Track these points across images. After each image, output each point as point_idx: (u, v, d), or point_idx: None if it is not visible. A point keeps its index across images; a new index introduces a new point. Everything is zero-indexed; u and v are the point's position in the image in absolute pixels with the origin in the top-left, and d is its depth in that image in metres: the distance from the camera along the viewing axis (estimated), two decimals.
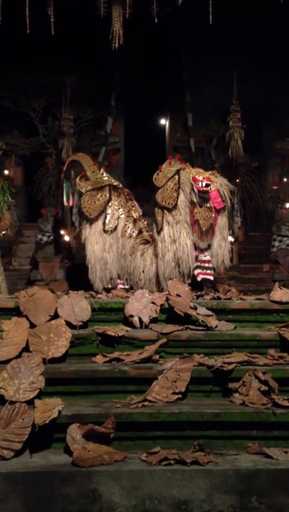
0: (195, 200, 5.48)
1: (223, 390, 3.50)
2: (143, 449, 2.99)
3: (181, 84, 11.26)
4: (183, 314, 4.07)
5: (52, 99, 10.55)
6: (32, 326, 3.85)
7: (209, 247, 5.63)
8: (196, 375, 3.46)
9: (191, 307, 4.18)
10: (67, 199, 6.21)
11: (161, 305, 4.23)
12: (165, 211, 5.46)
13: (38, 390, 3.23)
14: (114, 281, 5.74)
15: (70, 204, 6.22)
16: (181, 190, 5.43)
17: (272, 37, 9.04)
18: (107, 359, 3.66)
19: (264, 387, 3.35)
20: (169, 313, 4.18)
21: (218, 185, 5.63)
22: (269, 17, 8.05)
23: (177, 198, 5.41)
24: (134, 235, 5.79)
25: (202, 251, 5.61)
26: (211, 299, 4.59)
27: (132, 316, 4.09)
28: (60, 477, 2.69)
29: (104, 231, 5.72)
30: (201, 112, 11.11)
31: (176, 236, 5.38)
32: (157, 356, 3.70)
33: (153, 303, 4.23)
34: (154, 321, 4.12)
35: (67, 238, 9.18)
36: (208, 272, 5.58)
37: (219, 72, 9.03)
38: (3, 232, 9.35)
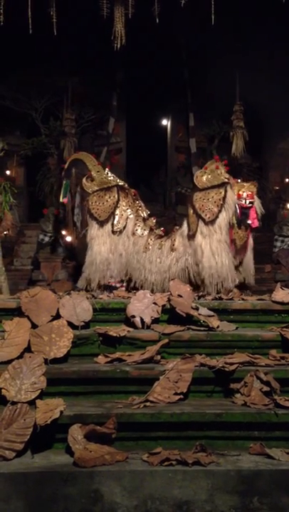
0: (235, 222, 5.42)
1: (224, 391, 3.50)
2: (145, 449, 2.99)
3: (182, 85, 11.25)
4: (184, 315, 4.08)
5: (54, 100, 10.52)
6: (34, 326, 3.85)
7: (241, 263, 5.61)
8: (198, 375, 3.46)
9: (192, 308, 4.19)
10: (64, 196, 6.13)
11: (163, 305, 4.24)
12: (200, 220, 5.41)
13: (39, 391, 3.24)
14: (113, 280, 5.70)
15: (65, 202, 6.16)
16: (224, 209, 5.36)
17: (275, 37, 9.02)
18: (109, 359, 3.66)
19: (266, 388, 3.36)
20: (170, 314, 4.19)
21: (255, 203, 5.56)
22: (271, 17, 8.04)
23: (218, 215, 5.35)
24: (146, 233, 5.78)
25: None
26: (212, 300, 4.59)
27: (133, 316, 4.09)
28: (61, 477, 2.70)
29: (113, 232, 5.70)
30: (203, 112, 11.09)
31: (214, 253, 5.31)
32: (159, 357, 3.71)
33: (154, 303, 4.23)
34: (155, 321, 4.13)
35: (68, 238, 9.17)
36: None
37: (221, 72, 9.00)
38: (5, 233, 9.33)
